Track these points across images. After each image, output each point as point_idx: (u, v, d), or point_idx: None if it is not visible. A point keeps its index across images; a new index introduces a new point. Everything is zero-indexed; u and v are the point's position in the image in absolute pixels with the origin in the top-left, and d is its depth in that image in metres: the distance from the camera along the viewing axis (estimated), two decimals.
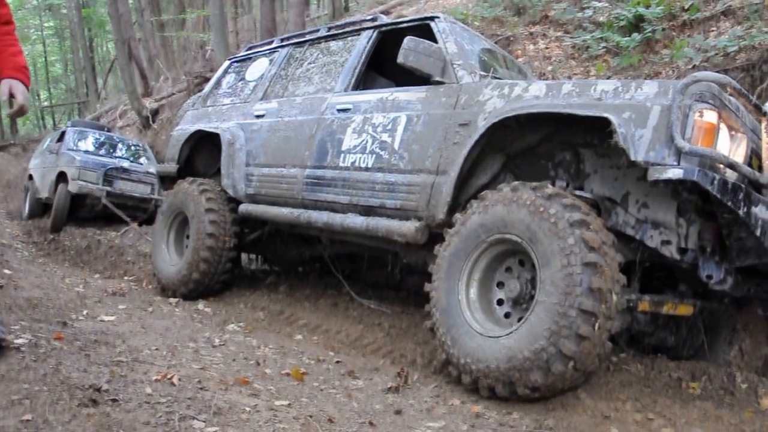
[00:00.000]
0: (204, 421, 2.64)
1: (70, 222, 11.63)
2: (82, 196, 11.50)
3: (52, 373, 2.91)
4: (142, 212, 11.85)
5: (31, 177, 13.83)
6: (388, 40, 5.66)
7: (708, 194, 3.36)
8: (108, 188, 11.58)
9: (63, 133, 13.50)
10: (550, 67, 8.73)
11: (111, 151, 13.23)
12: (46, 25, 39.26)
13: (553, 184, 4.16)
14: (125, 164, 12.30)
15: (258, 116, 6.29)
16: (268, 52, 6.94)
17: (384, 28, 5.66)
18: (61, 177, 11.73)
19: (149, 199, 11.99)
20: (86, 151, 12.70)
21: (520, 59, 8.84)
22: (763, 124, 3.74)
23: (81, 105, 31.66)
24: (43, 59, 40.69)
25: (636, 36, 8.07)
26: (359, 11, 16.82)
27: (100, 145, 13.31)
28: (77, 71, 34.65)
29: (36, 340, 3.54)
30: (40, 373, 2.87)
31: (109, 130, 15.17)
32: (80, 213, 11.72)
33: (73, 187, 11.37)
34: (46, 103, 40.97)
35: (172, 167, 7.22)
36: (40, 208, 13.08)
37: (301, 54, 6.41)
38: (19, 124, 38.36)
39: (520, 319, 3.70)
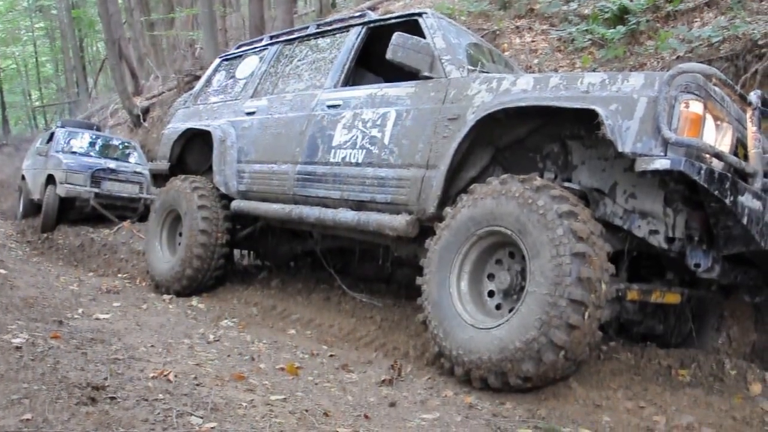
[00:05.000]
0: (201, 417, 2.67)
1: (61, 222, 11.61)
2: (71, 199, 11.46)
3: (50, 372, 2.93)
4: (132, 212, 11.83)
5: (24, 178, 13.79)
6: (377, 36, 5.68)
7: (695, 184, 3.41)
8: (96, 190, 11.51)
9: (52, 134, 13.42)
10: (536, 60, 8.76)
11: (99, 151, 13.17)
12: (36, 26, 39.08)
13: (542, 176, 4.20)
14: (113, 165, 12.18)
15: (249, 113, 6.32)
16: (258, 49, 6.96)
17: (372, 25, 5.69)
18: (50, 179, 11.69)
19: (138, 198, 11.94)
20: (74, 153, 12.62)
21: (506, 53, 8.86)
22: (748, 114, 3.78)
23: (72, 104, 31.51)
24: (34, 60, 40.52)
25: (621, 28, 8.13)
26: (346, 7, 16.83)
27: (88, 145, 13.23)
28: (68, 71, 34.51)
29: (33, 339, 3.56)
30: (38, 372, 2.90)
31: (99, 129, 15.09)
32: (70, 215, 11.68)
33: (61, 190, 11.33)
34: (37, 103, 40.82)
35: (164, 165, 7.24)
36: (34, 208, 13.00)
37: (291, 51, 6.43)
38: (11, 124, 38.26)
39: (510, 311, 3.73)
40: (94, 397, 2.66)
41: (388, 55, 4.68)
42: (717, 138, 3.63)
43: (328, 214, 5.15)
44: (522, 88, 4.11)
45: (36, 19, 38.72)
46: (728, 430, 3.34)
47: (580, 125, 4.01)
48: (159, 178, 7.53)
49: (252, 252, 8.09)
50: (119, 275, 8.18)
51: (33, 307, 4.76)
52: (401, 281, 6.28)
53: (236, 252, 7.85)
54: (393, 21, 5.52)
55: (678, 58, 6.89)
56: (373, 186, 4.85)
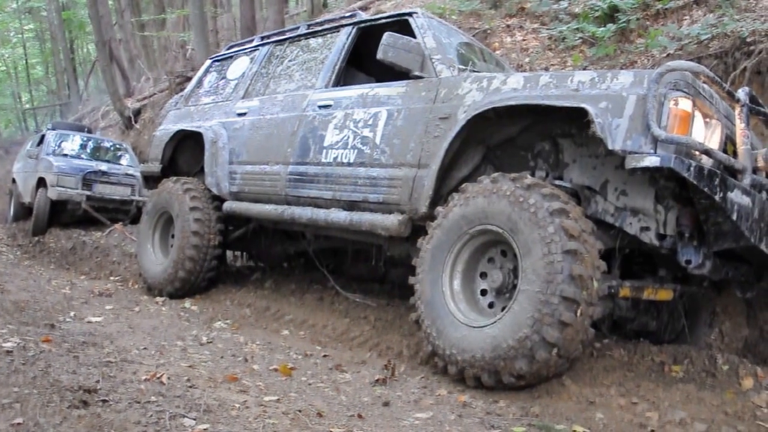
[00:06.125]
0: (194, 419, 2.66)
1: (53, 225, 11.55)
2: (63, 202, 11.39)
3: (41, 376, 2.92)
4: (124, 214, 11.76)
5: (14, 181, 13.72)
6: (367, 36, 5.69)
7: (685, 181, 3.42)
8: (87, 192, 11.45)
9: (43, 137, 13.35)
10: (527, 59, 8.78)
11: (91, 153, 13.11)
12: (26, 28, 38.91)
13: (533, 175, 4.21)
14: (104, 167, 12.09)
15: (240, 114, 6.31)
16: (249, 50, 6.95)
17: (363, 25, 5.69)
18: (41, 182, 11.62)
19: (130, 200, 11.88)
20: (65, 155, 12.55)
21: (497, 52, 8.87)
22: (737, 111, 3.80)
23: (63, 107, 31.40)
24: (24, 62, 40.34)
25: (611, 26, 8.15)
26: (338, 7, 16.83)
27: (79, 147, 13.17)
28: (58, 73, 34.38)
29: (24, 343, 3.54)
30: (29, 376, 2.88)
31: (90, 131, 15.00)
32: (61, 218, 11.62)
33: (52, 193, 11.26)
34: (27, 106, 40.65)
35: (155, 167, 7.23)
36: (25, 211, 12.94)
37: (282, 52, 6.42)
38: (2, 127, 38.09)
39: (503, 309, 3.74)
40: (86, 400, 2.65)
41: (379, 55, 4.69)
42: (706, 135, 3.65)
43: (321, 214, 5.15)
44: (512, 87, 4.12)
45: (25, 21, 38.54)
46: (720, 425, 3.34)
47: (570, 123, 4.03)
48: (151, 180, 7.51)
49: (245, 253, 8.08)
50: (111, 278, 8.17)
51: (24, 310, 4.75)
52: (394, 281, 6.28)
53: (229, 253, 7.84)
54: (383, 21, 5.53)
55: (668, 55, 6.92)
56: (365, 186, 4.85)
